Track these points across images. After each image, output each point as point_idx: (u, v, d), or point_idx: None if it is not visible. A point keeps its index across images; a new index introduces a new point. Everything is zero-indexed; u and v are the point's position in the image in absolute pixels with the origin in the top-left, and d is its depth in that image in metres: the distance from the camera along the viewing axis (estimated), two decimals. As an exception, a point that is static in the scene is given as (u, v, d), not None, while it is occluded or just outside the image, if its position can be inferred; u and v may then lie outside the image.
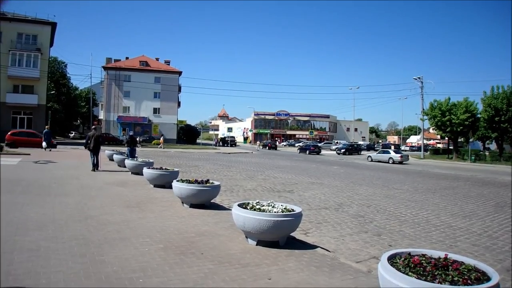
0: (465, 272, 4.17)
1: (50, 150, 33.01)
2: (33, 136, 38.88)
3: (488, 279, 4.10)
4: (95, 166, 19.08)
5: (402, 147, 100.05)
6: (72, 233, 7.23)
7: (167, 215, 9.53)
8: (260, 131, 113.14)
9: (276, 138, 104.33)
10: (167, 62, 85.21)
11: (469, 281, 3.97)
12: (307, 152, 64.31)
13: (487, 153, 57.65)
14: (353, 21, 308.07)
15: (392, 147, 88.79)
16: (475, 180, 26.62)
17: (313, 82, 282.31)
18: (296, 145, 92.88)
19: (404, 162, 45.18)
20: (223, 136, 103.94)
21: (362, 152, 71.22)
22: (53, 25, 51.95)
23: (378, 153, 51.11)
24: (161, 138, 57.65)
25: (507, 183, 24.63)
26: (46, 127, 37.46)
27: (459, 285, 3.91)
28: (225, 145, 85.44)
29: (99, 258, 5.89)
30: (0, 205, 9.01)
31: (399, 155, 46.32)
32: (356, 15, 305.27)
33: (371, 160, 47.98)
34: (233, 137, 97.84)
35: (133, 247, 6.58)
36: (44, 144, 33.50)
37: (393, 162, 44.74)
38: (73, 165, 21.37)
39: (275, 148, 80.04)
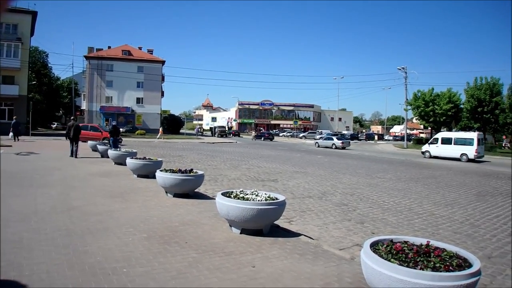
0: (447, 259, 4.24)
1: (18, 140, 32.74)
2: (96, 130, 38.31)
3: (470, 265, 4.17)
4: (74, 153, 20.84)
5: (386, 137, 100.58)
6: (55, 224, 7.20)
7: (150, 205, 9.51)
8: (245, 120, 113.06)
9: (261, 128, 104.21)
10: (150, 51, 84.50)
11: (450, 268, 4.04)
12: (262, 138, 73.26)
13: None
14: (337, 11, 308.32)
15: (376, 137, 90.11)
16: (457, 169, 26.91)
17: (297, 72, 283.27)
18: (281, 134, 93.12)
19: (346, 148, 50.60)
20: (218, 126, 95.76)
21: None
22: (34, 14, 51.13)
23: (323, 139, 55.04)
24: (161, 129, 58.18)
25: (489, 173, 24.94)
26: (14, 117, 37.06)
27: (440, 271, 3.97)
28: (224, 135, 78.00)
29: (82, 249, 5.88)
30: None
31: (341, 141, 51.40)
32: (341, 5, 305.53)
33: (318, 146, 52.37)
34: (223, 126, 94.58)
35: (116, 237, 6.57)
36: (10, 134, 33.30)
37: (336, 148, 49.93)
38: (56, 156, 21.20)
39: (271, 139, 73.33)
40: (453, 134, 40.72)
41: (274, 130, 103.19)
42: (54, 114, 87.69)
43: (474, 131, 42.67)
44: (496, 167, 31.02)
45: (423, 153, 41.11)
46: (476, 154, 35.94)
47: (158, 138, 53.18)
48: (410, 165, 28.33)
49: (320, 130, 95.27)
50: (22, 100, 48.27)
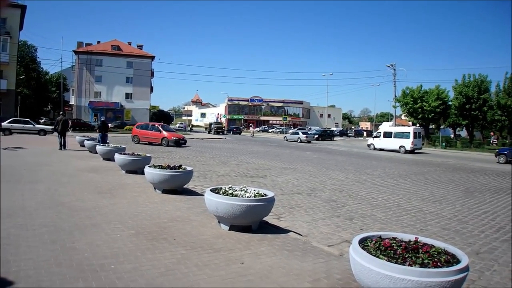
0: (435, 255, 4.26)
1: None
2: (156, 129, 34.00)
3: (458, 261, 4.19)
4: (63, 146, 22.63)
5: (374, 133, 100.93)
6: (42, 220, 7.15)
7: (139, 201, 9.48)
8: (234, 116, 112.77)
9: (250, 124, 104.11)
10: (140, 47, 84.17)
11: (439, 264, 4.05)
12: (231, 132, 79.92)
13: (457, 140, 58.61)
14: (327, 8, 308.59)
15: (365, 133, 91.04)
16: (446, 166, 27.05)
17: (287, 68, 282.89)
18: (270, 131, 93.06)
19: (310, 142, 55.62)
20: (214, 122, 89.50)
21: (335, 138, 72.01)
22: (23, 8, 50.83)
23: (291, 134, 60.79)
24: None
25: (476, 169, 25.10)
26: None
27: (429, 267, 3.99)
28: (220, 132, 74.11)
29: (70, 245, 5.84)
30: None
31: (305, 135, 56.27)
32: (330, 2, 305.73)
33: (287, 140, 57.26)
34: (219, 123, 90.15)
35: (104, 234, 6.54)
36: None
37: (301, 141, 54.46)
38: (44, 152, 21.07)
39: (239, 133, 76.47)
40: (393, 129, 46.12)
41: (264, 126, 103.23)
42: (43, 109, 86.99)
43: (462, 129, 45.55)
44: (432, 157, 35.75)
45: (368, 145, 45.79)
46: (412, 146, 40.35)
47: None
48: (399, 161, 28.45)
49: (309, 127, 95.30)
50: (10, 94, 47.99)
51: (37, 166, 14.88)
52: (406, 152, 40.30)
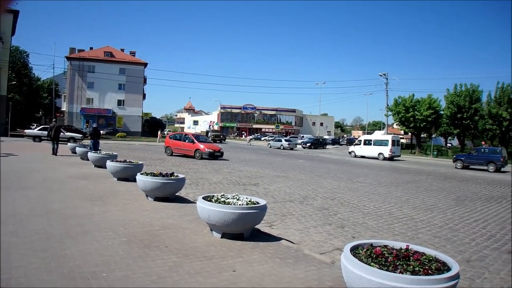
0: (426, 263, 4.28)
1: None
2: (190, 141, 30.10)
3: (449, 269, 4.21)
4: (55, 151, 23.65)
5: (355, 141, 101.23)
6: (33, 227, 7.11)
7: (131, 209, 9.45)
8: (227, 124, 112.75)
9: (243, 132, 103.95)
10: (133, 53, 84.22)
11: (430, 271, 4.07)
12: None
13: (449, 149, 58.91)
14: (320, 17, 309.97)
15: (356, 141, 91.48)
16: (437, 174, 27.19)
17: (280, 76, 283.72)
18: (262, 139, 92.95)
19: (293, 149, 57.85)
20: (211, 130, 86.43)
21: (327, 146, 72.19)
22: (15, 13, 50.60)
23: (274, 141, 63.67)
24: (159, 132, 60.05)
25: (467, 178, 25.28)
26: None
27: (420, 275, 4.00)
28: (218, 141, 67.21)
29: (61, 253, 5.81)
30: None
31: (288, 143, 59.07)
32: (323, 11, 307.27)
33: (270, 147, 60.31)
34: (218, 131, 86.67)
35: (96, 241, 6.51)
36: None
37: (284, 148, 57.27)
38: (35, 158, 20.99)
39: (222, 140, 71.33)
40: (373, 137, 48.30)
41: (256, 134, 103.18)
42: (34, 115, 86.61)
43: (454, 138, 46.94)
44: (409, 164, 37.34)
45: (349, 153, 47.74)
46: (390, 153, 42.43)
47: (158, 141, 54.55)
48: (390, 170, 28.57)
49: (301, 135, 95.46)
50: (1, 100, 47.74)
51: (28, 173, 14.80)
52: (385, 159, 42.11)
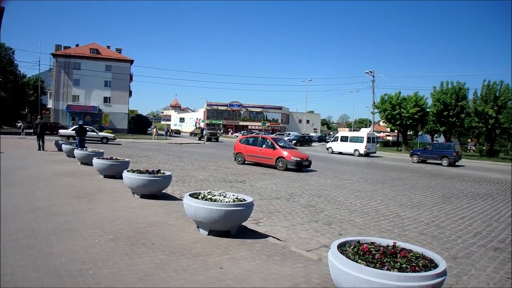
0: (413, 260, 4.31)
1: None
2: (270, 146, 23.45)
3: (436, 266, 4.25)
4: (41, 147, 24.96)
5: (333, 137, 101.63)
6: (19, 225, 7.06)
7: (117, 206, 9.41)
8: (213, 121, 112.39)
9: (229, 129, 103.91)
10: (119, 50, 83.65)
11: (417, 268, 4.11)
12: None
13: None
14: (306, 15, 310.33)
15: (333, 137, 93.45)
16: (423, 171, 27.36)
17: (266, 73, 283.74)
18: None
19: None
20: (206, 127, 76.70)
21: (313, 144, 72.34)
22: (1, 10, 50.03)
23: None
24: (154, 129, 60.96)
25: (453, 175, 25.44)
26: None
27: (407, 272, 4.03)
28: (213, 139, 64.65)
29: (48, 250, 5.78)
30: None
31: None
32: (309, 8, 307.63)
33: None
34: (214, 128, 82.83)
35: (82, 239, 6.48)
36: None
37: None
38: (20, 155, 20.82)
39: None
40: (349, 133, 49.82)
41: (243, 131, 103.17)
42: (20, 112, 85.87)
43: (440, 135, 48.18)
44: (385, 161, 38.85)
45: (327, 149, 48.59)
46: (365, 149, 42.97)
47: (153, 139, 55.53)
48: (377, 167, 28.67)
49: (288, 132, 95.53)
50: (-14, 97, 47.17)
51: (13, 170, 14.68)
52: (360, 155, 42.93)
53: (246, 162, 24.39)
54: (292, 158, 21.84)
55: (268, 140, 24.13)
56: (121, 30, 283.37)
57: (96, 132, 40.76)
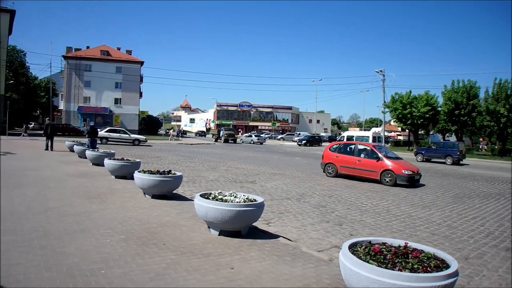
0: (425, 260, 4.29)
1: None
2: (370, 155, 18.96)
3: (447, 266, 4.22)
4: (50, 147, 25.75)
5: (338, 137, 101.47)
6: (31, 225, 7.11)
7: (128, 206, 9.45)
8: (223, 122, 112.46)
9: (239, 129, 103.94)
10: (129, 52, 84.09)
11: (428, 269, 4.08)
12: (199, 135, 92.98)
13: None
14: (317, 14, 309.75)
15: (340, 137, 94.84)
16: (435, 171, 27.19)
17: (276, 74, 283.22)
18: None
19: (262, 143, 64.32)
20: (224, 128, 76.21)
21: (323, 144, 72.16)
22: (12, 13, 50.45)
23: (245, 137, 70.38)
24: (171, 130, 62.75)
25: (465, 175, 25.26)
26: None
27: (418, 272, 4.01)
28: (230, 141, 61.80)
29: (60, 250, 5.82)
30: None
31: (257, 138, 66.39)
32: (320, 8, 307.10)
33: (242, 142, 66.25)
34: (231, 128, 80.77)
35: (94, 239, 6.52)
36: None
37: (254, 143, 62.93)
38: (33, 156, 20.96)
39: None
40: (355, 133, 51.25)
41: (253, 132, 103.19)
42: (32, 114, 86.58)
43: (451, 134, 47.96)
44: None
45: None
46: None
47: (170, 140, 56.94)
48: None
49: (298, 132, 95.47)
50: (-1, 99, 47.55)
51: (26, 171, 14.78)
52: None
53: (338, 173, 20.02)
54: (403, 171, 17.75)
55: (368, 148, 19.80)
56: (132, 32, 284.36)
57: (129, 134, 41.04)
